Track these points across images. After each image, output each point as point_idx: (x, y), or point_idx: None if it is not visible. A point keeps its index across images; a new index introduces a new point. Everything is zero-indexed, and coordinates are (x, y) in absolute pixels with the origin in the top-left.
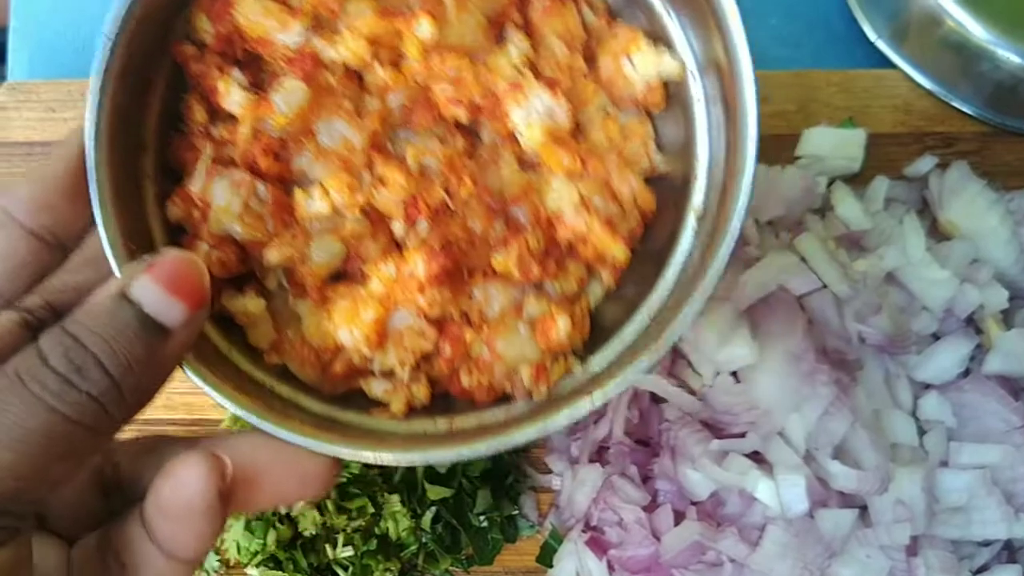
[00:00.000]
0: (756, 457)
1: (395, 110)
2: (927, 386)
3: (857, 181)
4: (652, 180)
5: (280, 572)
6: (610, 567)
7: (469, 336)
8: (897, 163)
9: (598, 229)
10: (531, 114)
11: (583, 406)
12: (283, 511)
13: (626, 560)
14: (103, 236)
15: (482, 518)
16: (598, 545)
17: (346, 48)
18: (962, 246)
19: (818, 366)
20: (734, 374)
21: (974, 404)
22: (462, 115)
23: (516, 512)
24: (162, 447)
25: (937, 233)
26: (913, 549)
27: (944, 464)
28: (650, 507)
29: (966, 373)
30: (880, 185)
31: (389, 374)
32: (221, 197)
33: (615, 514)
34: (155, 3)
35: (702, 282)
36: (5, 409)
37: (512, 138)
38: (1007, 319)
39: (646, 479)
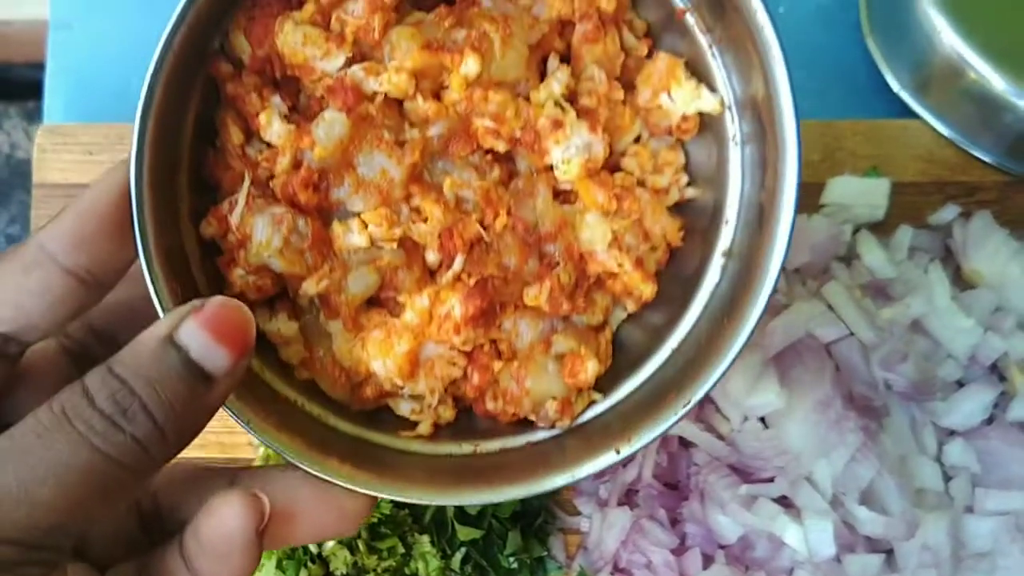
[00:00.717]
0: (784, 502)
1: (434, 139)
2: (952, 432)
3: (881, 229)
4: (680, 205)
5: None
6: None
7: (497, 367)
8: (920, 211)
9: (629, 268)
10: (569, 149)
11: (608, 458)
12: (314, 550)
13: None
14: (147, 276)
15: (512, 559)
16: None
17: (389, 82)
18: (986, 295)
19: (845, 412)
20: (762, 419)
21: (999, 451)
22: (501, 147)
23: (545, 554)
24: (201, 478)
25: (961, 281)
26: None
27: (969, 510)
28: (679, 550)
29: (990, 420)
30: (904, 234)
31: (418, 397)
32: (261, 233)
33: (644, 557)
34: (194, 29)
35: (734, 336)
36: (49, 446)
37: (548, 169)
38: None
39: (675, 522)
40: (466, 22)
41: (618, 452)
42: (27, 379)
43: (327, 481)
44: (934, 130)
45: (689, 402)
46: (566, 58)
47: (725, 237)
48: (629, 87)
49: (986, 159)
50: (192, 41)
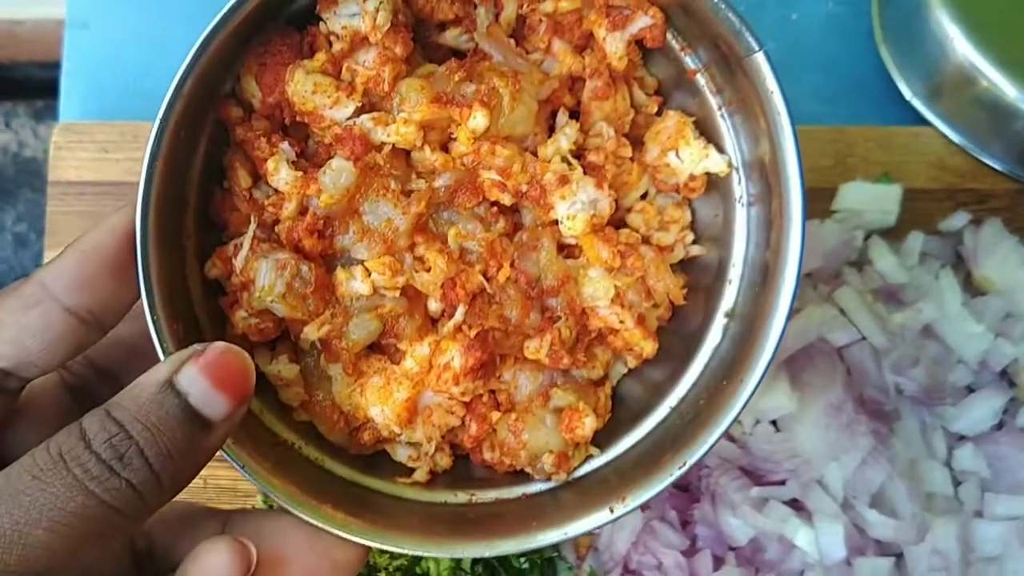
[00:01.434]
0: (795, 504)
1: (440, 190)
2: (962, 437)
3: (892, 235)
4: (685, 262)
5: None
6: None
7: (495, 417)
8: (931, 218)
9: (631, 325)
10: (575, 205)
11: (601, 516)
12: None
13: None
14: (149, 318)
15: (522, 560)
16: None
17: (397, 133)
18: (997, 301)
19: (857, 416)
20: (774, 422)
21: (1008, 456)
22: (507, 200)
23: (556, 554)
24: (194, 520)
25: (971, 288)
26: None
27: (979, 515)
28: (689, 552)
29: (1000, 426)
30: (915, 240)
31: (415, 444)
32: (265, 277)
33: (654, 558)
34: (206, 71)
35: (732, 400)
36: (45, 488)
37: (553, 223)
38: None
39: (685, 524)
40: (476, 76)
41: (612, 511)
42: (27, 414)
43: (319, 528)
44: (945, 137)
45: (684, 464)
46: (576, 113)
47: (728, 297)
48: (638, 143)
49: (997, 167)
50: (203, 83)
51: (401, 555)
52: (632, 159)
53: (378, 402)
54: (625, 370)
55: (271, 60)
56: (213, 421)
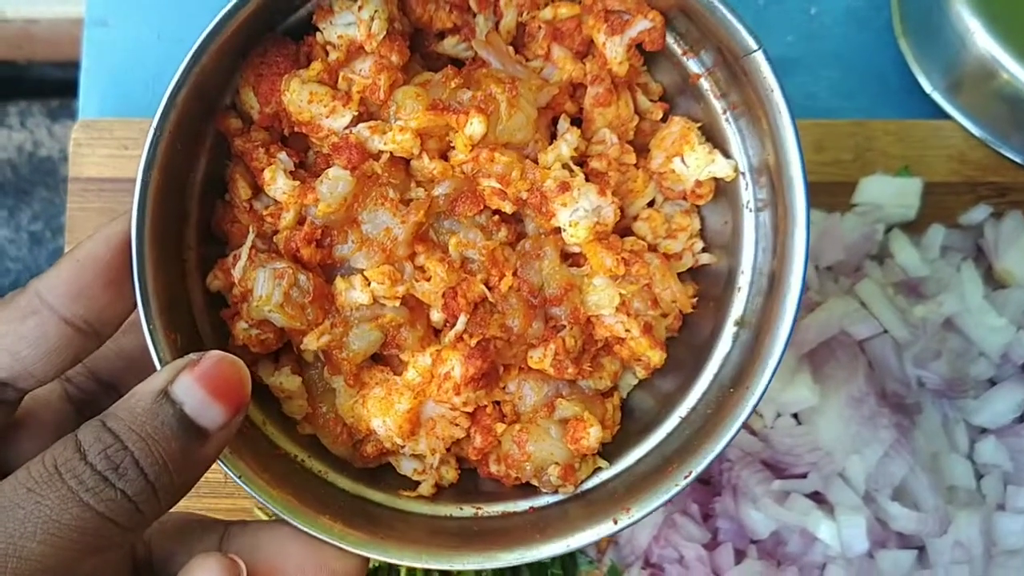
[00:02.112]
0: (817, 497)
1: (440, 199)
2: (984, 430)
3: (913, 228)
4: (694, 270)
5: None
6: None
7: (500, 429)
8: (952, 211)
9: (637, 333)
10: (577, 212)
11: (605, 527)
12: None
13: None
14: (144, 327)
15: None
16: None
17: (393, 141)
18: (1018, 294)
19: (879, 409)
20: (795, 415)
21: None
22: (507, 208)
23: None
24: (193, 530)
25: (992, 281)
26: None
27: (1001, 508)
28: (710, 545)
29: (1022, 418)
30: (936, 233)
31: (419, 456)
32: (262, 287)
33: (675, 552)
34: (203, 78)
35: (739, 407)
36: (39, 501)
37: (557, 231)
38: None
39: (707, 517)
40: (473, 83)
41: (616, 522)
42: (29, 426)
43: (317, 539)
44: (966, 131)
45: (690, 474)
46: (578, 120)
47: (738, 305)
48: (643, 151)
49: (1018, 160)
50: (200, 96)
51: None
52: (637, 166)
53: (379, 413)
54: (635, 381)
55: (267, 70)
56: (209, 430)
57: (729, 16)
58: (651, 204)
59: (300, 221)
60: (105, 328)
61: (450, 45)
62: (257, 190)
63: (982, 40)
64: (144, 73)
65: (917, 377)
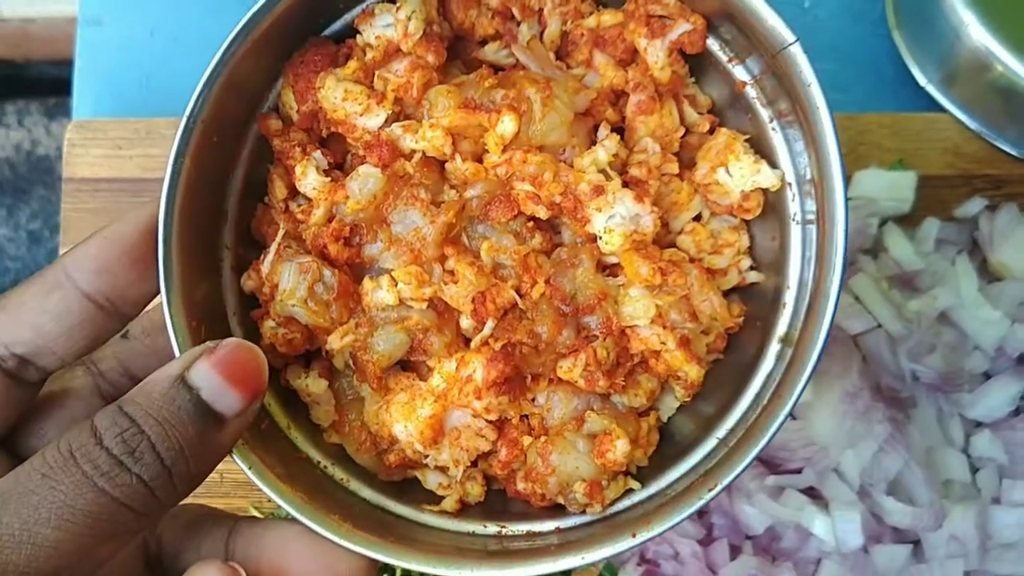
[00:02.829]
0: (812, 493)
1: (474, 203)
2: (979, 424)
3: (907, 222)
4: (742, 289)
5: None
6: None
7: (527, 442)
8: (947, 204)
9: (672, 346)
10: (613, 219)
11: (624, 542)
12: None
13: None
14: (166, 311)
15: None
16: None
17: (424, 139)
18: (1013, 287)
19: (873, 404)
20: None
21: None
22: (541, 213)
23: None
24: (203, 525)
25: (987, 274)
26: None
27: (996, 501)
28: (705, 541)
29: (1017, 412)
30: (931, 227)
31: (444, 469)
32: (287, 280)
33: (671, 547)
34: (241, 75)
35: (771, 420)
36: (54, 486)
37: (593, 240)
38: None
39: (701, 513)
40: (508, 84)
41: (634, 535)
42: (56, 415)
43: (325, 540)
44: (960, 123)
45: (715, 487)
46: (621, 131)
47: (783, 323)
48: (690, 164)
49: (1012, 152)
50: (239, 93)
51: None
52: (681, 177)
53: (402, 418)
54: (676, 405)
55: (305, 69)
56: (225, 416)
57: (765, 10)
58: (697, 219)
59: (330, 219)
60: (127, 308)
61: (491, 51)
62: (294, 191)
63: (976, 32)
64: (138, 72)
65: (912, 371)
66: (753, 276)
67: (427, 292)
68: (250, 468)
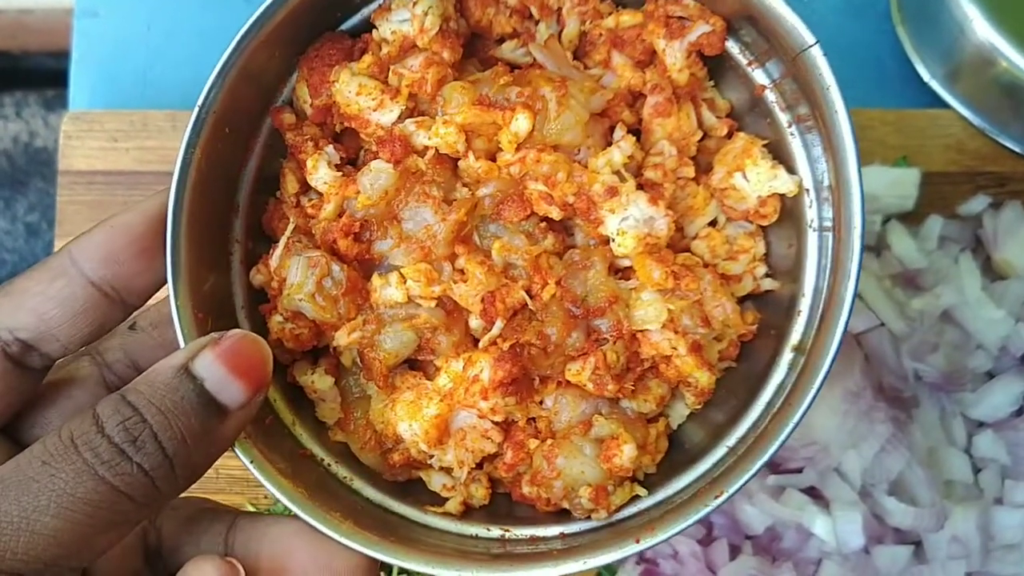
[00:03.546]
0: (813, 492)
1: (486, 202)
2: (982, 424)
3: (911, 219)
4: (757, 297)
5: None
6: None
7: (533, 445)
8: (950, 201)
9: (683, 352)
10: (626, 221)
11: (628, 547)
12: None
13: None
14: (172, 302)
15: None
16: None
17: (437, 135)
18: (1017, 286)
19: (875, 403)
20: None
21: None
22: (554, 213)
23: None
24: (204, 520)
25: (991, 272)
26: None
27: (999, 502)
28: (705, 540)
29: (1020, 411)
30: (934, 224)
31: (448, 470)
32: (295, 275)
33: (670, 547)
34: (255, 67)
35: (779, 429)
36: (54, 474)
37: (607, 242)
38: None
39: None
40: (523, 82)
41: (638, 541)
42: (61, 404)
43: (325, 537)
44: (964, 120)
45: (722, 495)
46: (638, 133)
47: (797, 331)
48: (708, 169)
49: (1016, 149)
50: (253, 85)
51: None
52: (697, 181)
53: (407, 417)
54: (687, 412)
55: (320, 62)
56: (229, 408)
57: (785, 11)
58: (713, 224)
59: (340, 215)
60: (132, 298)
61: (508, 49)
62: (305, 186)
63: (980, 28)
64: (134, 64)
65: (914, 370)
66: (768, 283)
67: (436, 290)
68: (252, 462)
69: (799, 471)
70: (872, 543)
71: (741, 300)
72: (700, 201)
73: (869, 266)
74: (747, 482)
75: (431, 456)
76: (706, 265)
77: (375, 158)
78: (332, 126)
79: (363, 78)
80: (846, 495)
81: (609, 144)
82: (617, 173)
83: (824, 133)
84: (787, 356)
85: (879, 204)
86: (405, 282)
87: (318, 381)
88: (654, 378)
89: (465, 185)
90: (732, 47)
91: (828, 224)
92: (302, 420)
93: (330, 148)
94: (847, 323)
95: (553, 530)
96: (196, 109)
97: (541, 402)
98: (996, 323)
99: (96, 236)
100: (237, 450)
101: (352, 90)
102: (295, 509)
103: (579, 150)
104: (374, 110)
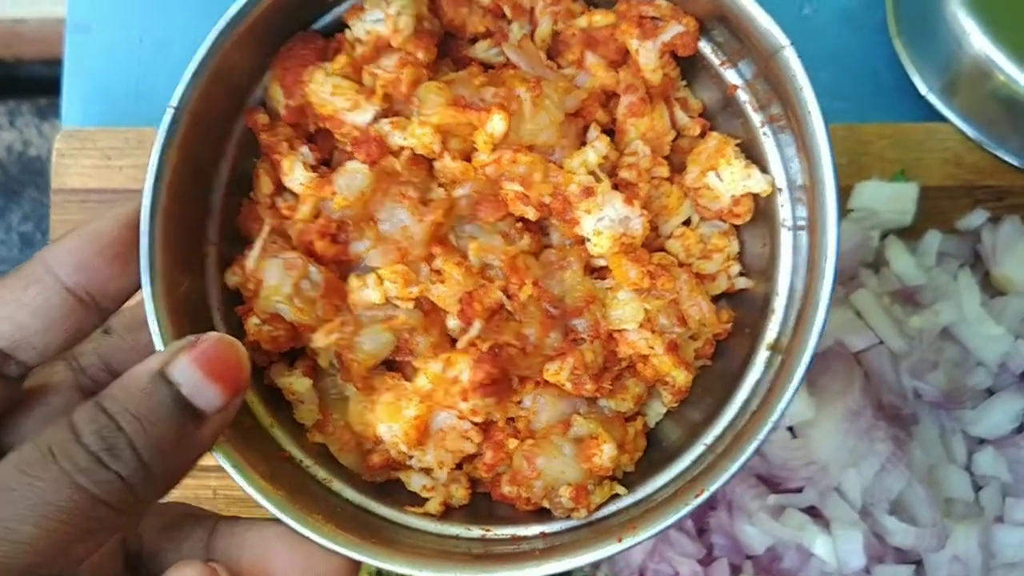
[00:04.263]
0: (813, 512)
1: (462, 202)
2: (982, 441)
3: (909, 234)
4: (731, 295)
5: None
6: None
7: (512, 445)
8: (948, 216)
9: (660, 351)
10: (602, 221)
11: (610, 547)
12: None
13: None
14: (148, 305)
15: None
16: None
17: (413, 136)
18: (1017, 301)
19: (875, 422)
20: (791, 429)
21: None
22: (530, 214)
23: None
24: (185, 526)
25: (990, 287)
26: None
27: (1000, 520)
28: (705, 560)
29: (1021, 429)
30: (933, 239)
31: (428, 471)
32: (273, 277)
33: (670, 567)
34: (228, 67)
35: (758, 428)
36: (32, 483)
37: (583, 242)
38: None
39: (701, 532)
40: (498, 82)
41: (620, 540)
42: (35, 411)
43: (306, 540)
44: (962, 133)
45: (702, 493)
46: (612, 133)
47: (772, 329)
48: (681, 169)
49: (1015, 163)
50: (226, 85)
51: None
52: (671, 181)
53: (387, 419)
54: (663, 410)
55: (293, 62)
56: (206, 412)
57: (758, 13)
58: (687, 223)
59: (316, 216)
60: (107, 302)
61: (482, 49)
62: (280, 187)
63: (978, 41)
64: (127, 78)
65: (914, 388)
66: (742, 282)
67: (414, 291)
68: (232, 466)
69: (799, 490)
70: (873, 563)
71: (715, 299)
72: (674, 200)
73: (868, 283)
74: (727, 481)
75: (411, 457)
76: (681, 264)
77: (349, 159)
78: (306, 126)
79: (337, 78)
80: (846, 515)
81: (583, 144)
82: (592, 173)
83: (798, 133)
84: (763, 354)
85: (877, 219)
86: (382, 283)
87: (296, 383)
88: (631, 377)
89: (441, 186)
90: (704, 47)
91: (802, 223)
92: (280, 422)
93: (305, 149)
94: (824, 325)
95: (534, 529)
96: (171, 110)
97: (519, 402)
98: (995, 340)
99: (69, 242)
100: (216, 454)
101: (327, 91)
102: (276, 512)
103: (554, 150)
104: (349, 111)
